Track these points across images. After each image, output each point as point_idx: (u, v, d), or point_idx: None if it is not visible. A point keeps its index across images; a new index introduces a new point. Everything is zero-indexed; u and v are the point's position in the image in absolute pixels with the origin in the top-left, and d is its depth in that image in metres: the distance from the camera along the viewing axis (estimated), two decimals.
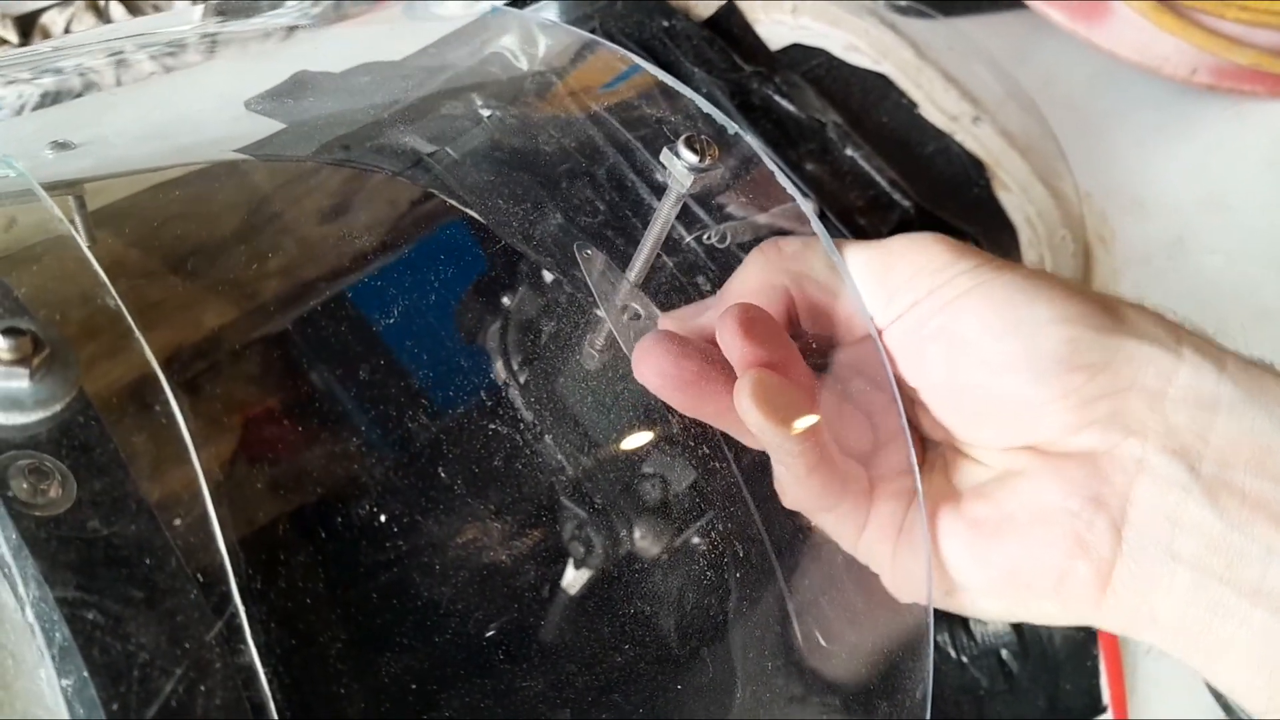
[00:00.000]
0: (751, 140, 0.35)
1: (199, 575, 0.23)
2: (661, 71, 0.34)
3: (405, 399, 0.36)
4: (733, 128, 0.33)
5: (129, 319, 0.24)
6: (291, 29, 0.42)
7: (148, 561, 0.21)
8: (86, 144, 0.39)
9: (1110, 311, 0.28)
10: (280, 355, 0.36)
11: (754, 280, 0.31)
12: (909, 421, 0.30)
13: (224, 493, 0.28)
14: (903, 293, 0.29)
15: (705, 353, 0.29)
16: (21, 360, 0.22)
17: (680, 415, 0.36)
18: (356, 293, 0.37)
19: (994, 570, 0.28)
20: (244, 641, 0.22)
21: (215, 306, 0.35)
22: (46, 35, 1.43)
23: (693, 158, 0.28)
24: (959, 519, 0.29)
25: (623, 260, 0.34)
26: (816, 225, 0.31)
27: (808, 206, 0.33)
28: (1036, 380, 0.27)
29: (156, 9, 1.48)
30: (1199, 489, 0.26)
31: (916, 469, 0.29)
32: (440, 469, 0.34)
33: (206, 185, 0.40)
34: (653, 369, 0.29)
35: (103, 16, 1.42)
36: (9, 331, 0.22)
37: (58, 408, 0.23)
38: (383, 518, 0.32)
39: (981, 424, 0.29)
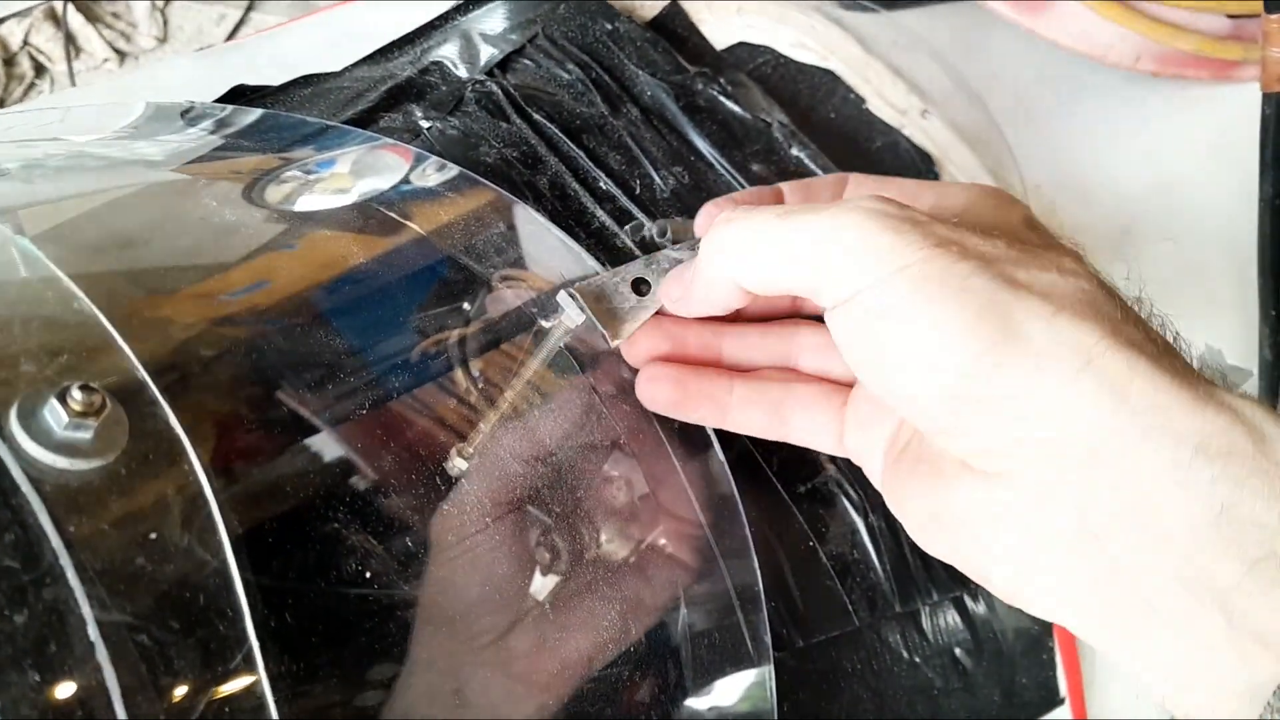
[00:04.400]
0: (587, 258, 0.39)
1: (221, 618, 0.25)
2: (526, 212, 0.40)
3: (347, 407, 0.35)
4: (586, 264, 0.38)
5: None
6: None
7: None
8: (18, 170, 0.38)
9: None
10: (234, 378, 0.36)
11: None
12: None
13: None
14: (836, 285, 0.27)
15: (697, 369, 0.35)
16: (89, 413, 0.25)
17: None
18: (301, 311, 0.37)
19: None
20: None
21: (155, 335, 0.34)
22: (5, 47, 1.42)
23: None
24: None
25: None
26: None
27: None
28: None
29: (116, 16, 1.47)
30: None
31: None
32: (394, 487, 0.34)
33: (143, 204, 0.39)
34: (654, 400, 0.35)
35: (61, 25, 1.41)
36: (84, 388, 0.26)
37: (111, 458, 0.26)
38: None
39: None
